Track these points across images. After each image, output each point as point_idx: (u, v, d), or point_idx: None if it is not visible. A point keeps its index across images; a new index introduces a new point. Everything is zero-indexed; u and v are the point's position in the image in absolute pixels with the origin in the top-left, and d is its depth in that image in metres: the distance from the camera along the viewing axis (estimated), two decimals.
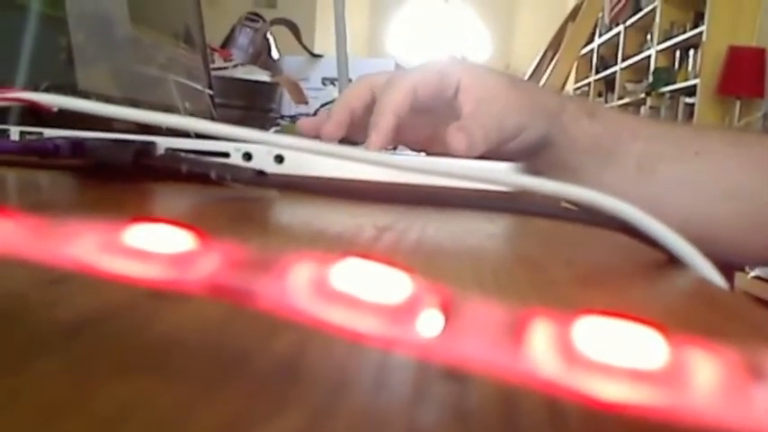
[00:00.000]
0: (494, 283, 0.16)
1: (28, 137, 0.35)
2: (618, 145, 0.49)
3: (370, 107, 0.47)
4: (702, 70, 3.87)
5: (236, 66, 1.15)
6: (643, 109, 4.68)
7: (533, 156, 0.48)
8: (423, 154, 0.52)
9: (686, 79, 4.17)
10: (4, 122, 0.38)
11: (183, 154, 0.32)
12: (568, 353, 0.08)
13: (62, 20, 0.47)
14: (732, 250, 0.48)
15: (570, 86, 5.41)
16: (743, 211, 0.48)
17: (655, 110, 4.55)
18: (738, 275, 2.53)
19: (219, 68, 1.09)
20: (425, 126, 0.49)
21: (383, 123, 0.43)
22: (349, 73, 1.18)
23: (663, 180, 0.49)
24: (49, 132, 0.35)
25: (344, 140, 0.50)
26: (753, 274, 2.53)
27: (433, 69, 0.47)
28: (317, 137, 0.47)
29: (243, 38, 1.27)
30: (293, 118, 1.10)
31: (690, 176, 0.49)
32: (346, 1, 1.20)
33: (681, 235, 0.21)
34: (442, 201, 0.29)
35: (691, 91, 4.08)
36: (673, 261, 0.21)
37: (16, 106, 0.39)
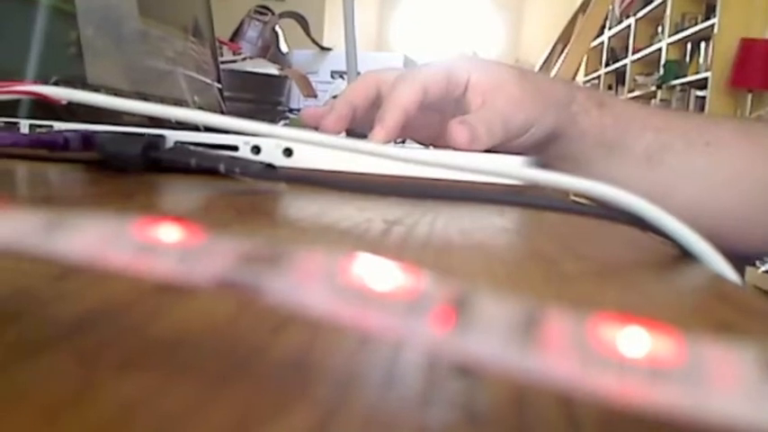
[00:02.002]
0: (505, 278, 0.16)
1: (38, 130, 0.35)
2: (627, 136, 0.48)
3: (374, 103, 0.47)
4: (714, 63, 3.84)
5: (244, 59, 1.15)
6: (653, 102, 4.65)
7: (544, 148, 0.47)
8: (431, 148, 0.52)
9: (697, 72, 4.14)
10: (15, 116, 0.38)
11: (192, 147, 0.32)
12: (582, 350, 0.07)
13: (71, 14, 0.47)
14: (740, 241, 0.48)
15: (580, 79, 5.38)
16: (753, 202, 0.48)
17: (665, 103, 4.52)
18: (749, 270, 2.52)
19: (228, 62, 1.09)
20: (434, 123, 0.49)
21: (390, 118, 0.43)
22: (358, 66, 1.18)
23: (672, 171, 0.48)
24: (58, 125, 0.35)
25: (352, 134, 0.50)
26: (763, 268, 2.51)
27: (443, 67, 0.47)
28: (318, 128, 0.47)
29: (252, 31, 1.27)
30: None
31: (700, 167, 0.48)
32: None
33: (690, 226, 0.20)
34: (452, 194, 0.28)
35: (702, 84, 4.05)
36: (684, 255, 0.21)
37: (26, 99, 0.39)
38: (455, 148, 0.41)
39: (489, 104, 0.45)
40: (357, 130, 0.49)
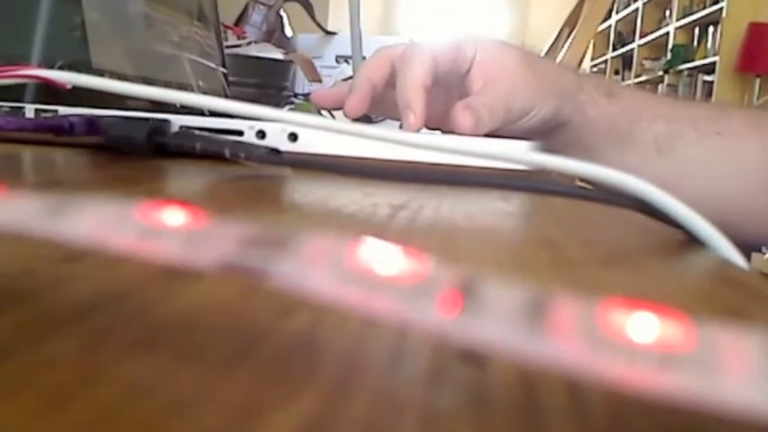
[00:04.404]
0: (511, 263, 0.16)
1: (43, 114, 0.35)
2: (636, 125, 0.48)
3: (390, 80, 0.46)
4: (722, 47, 3.81)
5: (249, 43, 1.15)
6: (661, 87, 4.62)
7: (550, 135, 0.47)
8: (437, 132, 0.52)
9: (705, 57, 4.11)
10: (20, 100, 0.38)
11: (196, 132, 0.32)
12: (590, 335, 0.07)
13: None
14: (749, 230, 0.48)
15: (587, 64, 5.35)
16: (763, 193, 0.47)
17: (672, 88, 4.49)
18: (755, 255, 2.51)
19: (233, 46, 1.09)
20: (440, 103, 0.49)
21: (416, 101, 0.43)
22: (363, 51, 1.17)
23: (682, 160, 0.48)
24: (63, 110, 0.35)
25: (358, 117, 0.50)
26: None
27: (450, 41, 0.46)
28: (335, 110, 0.46)
29: (256, 15, 1.26)
30: (307, 96, 1.10)
31: (710, 157, 0.48)
32: None
33: (700, 214, 0.20)
34: (458, 179, 0.28)
35: (710, 69, 4.02)
36: (691, 240, 0.20)
37: (31, 84, 0.39)
38: (459, 133, 0.41)
39: (491, 86, 0.45)
40: (371, 111, 0.49)
